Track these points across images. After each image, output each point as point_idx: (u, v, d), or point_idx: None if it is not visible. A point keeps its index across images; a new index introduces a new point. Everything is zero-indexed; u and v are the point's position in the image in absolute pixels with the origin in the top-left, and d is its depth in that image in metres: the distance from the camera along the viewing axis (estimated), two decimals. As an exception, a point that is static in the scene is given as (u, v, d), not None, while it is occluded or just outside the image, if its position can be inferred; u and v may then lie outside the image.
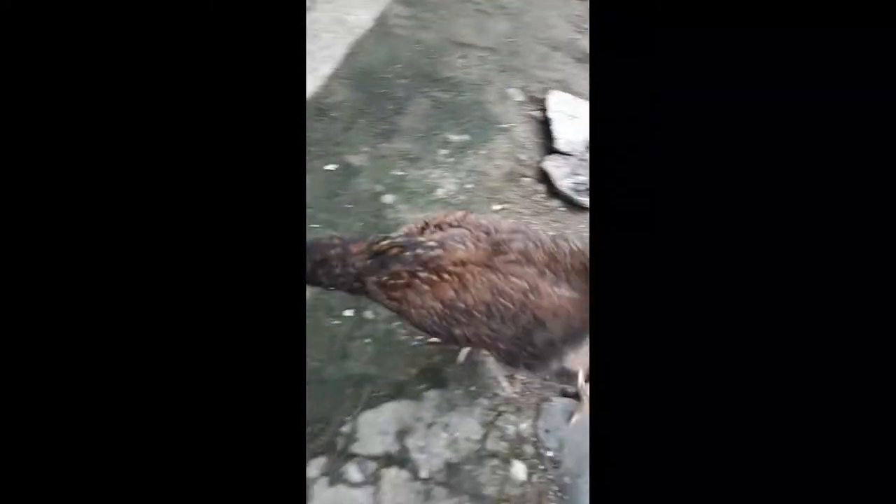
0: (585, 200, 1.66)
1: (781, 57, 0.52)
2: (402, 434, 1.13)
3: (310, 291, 1.16)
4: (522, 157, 1.87)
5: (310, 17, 2.67)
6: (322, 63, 2.30)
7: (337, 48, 2.39)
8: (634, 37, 0.54)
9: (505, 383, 1.21)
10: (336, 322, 1.38)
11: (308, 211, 1.71)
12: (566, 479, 1.07)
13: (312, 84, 2.19)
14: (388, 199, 1.70)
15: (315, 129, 1.98)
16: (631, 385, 0.53)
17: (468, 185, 1.75)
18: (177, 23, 0.53)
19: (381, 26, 2.46)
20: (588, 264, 0.93)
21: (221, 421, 0.51)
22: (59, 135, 0.51)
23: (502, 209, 1.67)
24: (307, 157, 1.88)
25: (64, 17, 0.51)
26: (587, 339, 0.98)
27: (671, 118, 0.54)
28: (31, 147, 0.51)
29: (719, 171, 0.53)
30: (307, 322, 1.37)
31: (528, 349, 0.98)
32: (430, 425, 1.13)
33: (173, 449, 0.50)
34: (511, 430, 1.15)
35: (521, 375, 1.21)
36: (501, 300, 0.92)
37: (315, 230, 1.63)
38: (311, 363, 1.29)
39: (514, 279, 0.92)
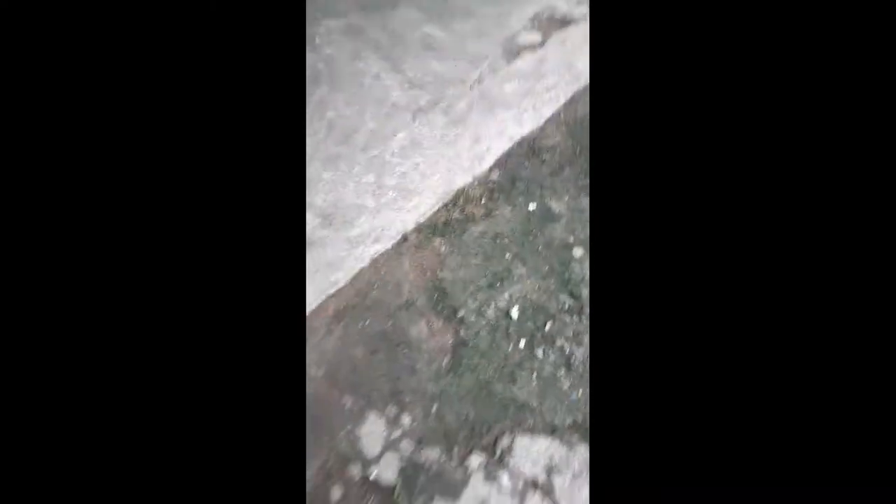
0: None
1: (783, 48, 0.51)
2: (550, 470, 1.31)
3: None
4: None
5: (538, 55, 2.91)
6: (545, 104, 2.52)
7: (561, 92, 2.59)
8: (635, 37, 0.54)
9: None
10: (510, 348, 1.61)
11: (503, 241, 1.96)
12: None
13: (531, 123, 2.43)
14: (578, 252, 1.87)
15: (524, 167, 2.23)
16: (630, 384, 0.53)
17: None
18: (177, 26, 0.53)
19: (607, 80, 2.58)
20: None
21: (221, 420, 0.52)
22: (59, 134, 0.51)
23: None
24: (513, 194, 2.13)
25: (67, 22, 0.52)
26: None
27: (672, 116, 0.53)
28: (30, 146, 0.51)
29: (720, 172, 0.52)
30: (483, 335, 1.63)
31: None
32: (575, 476, 1.30)
33: (173, 448, 0.51)
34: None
35: None
36: None
37: (504, 261, 1.88)
38: (481, 374, 1.54)
39: None
